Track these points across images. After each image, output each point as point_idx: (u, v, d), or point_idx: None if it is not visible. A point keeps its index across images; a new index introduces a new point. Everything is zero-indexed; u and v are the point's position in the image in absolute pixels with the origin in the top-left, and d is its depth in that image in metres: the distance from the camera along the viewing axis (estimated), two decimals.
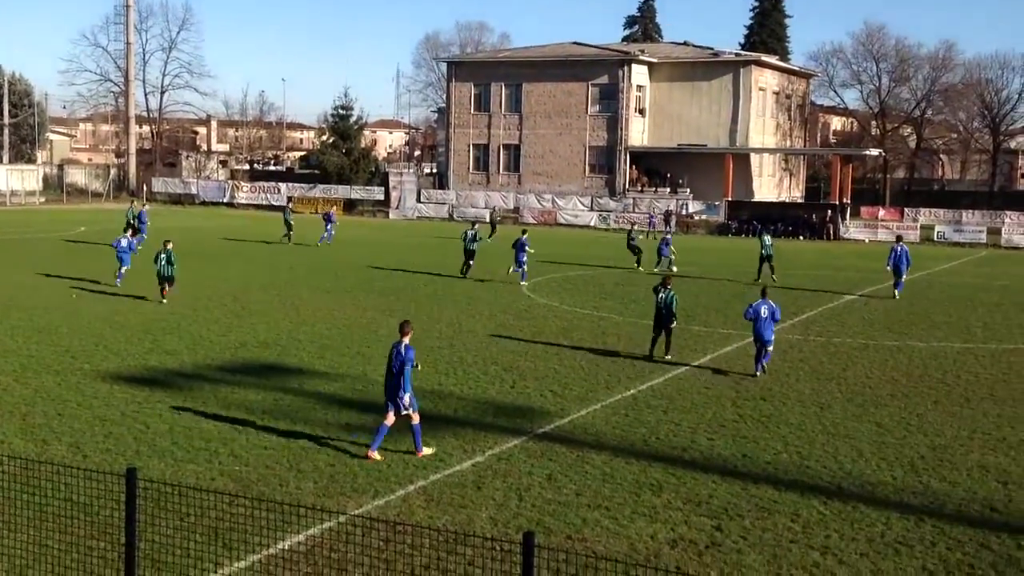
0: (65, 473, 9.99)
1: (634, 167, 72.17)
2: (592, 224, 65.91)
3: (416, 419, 13.91)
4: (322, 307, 27.46)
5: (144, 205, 49.93)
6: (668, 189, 70.06)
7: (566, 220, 67.22)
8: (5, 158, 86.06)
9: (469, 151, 76.44)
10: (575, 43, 76.73)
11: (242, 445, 14.29)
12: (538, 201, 69.33)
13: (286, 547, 10.33)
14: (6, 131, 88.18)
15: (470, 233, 35.50)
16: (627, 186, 71.11)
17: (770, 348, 20.08)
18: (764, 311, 19.85)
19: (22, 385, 17.52)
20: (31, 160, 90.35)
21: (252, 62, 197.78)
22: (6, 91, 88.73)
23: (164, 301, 27.09)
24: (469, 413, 16.52)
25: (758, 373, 19.91)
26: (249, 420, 15.54)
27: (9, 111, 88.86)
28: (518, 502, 12.31)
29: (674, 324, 21.44)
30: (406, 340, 13.85)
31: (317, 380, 18.51)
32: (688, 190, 69.14)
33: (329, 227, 46.31)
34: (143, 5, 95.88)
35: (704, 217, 66.16)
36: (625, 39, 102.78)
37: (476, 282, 33.64)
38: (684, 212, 66.12)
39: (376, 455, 13.71)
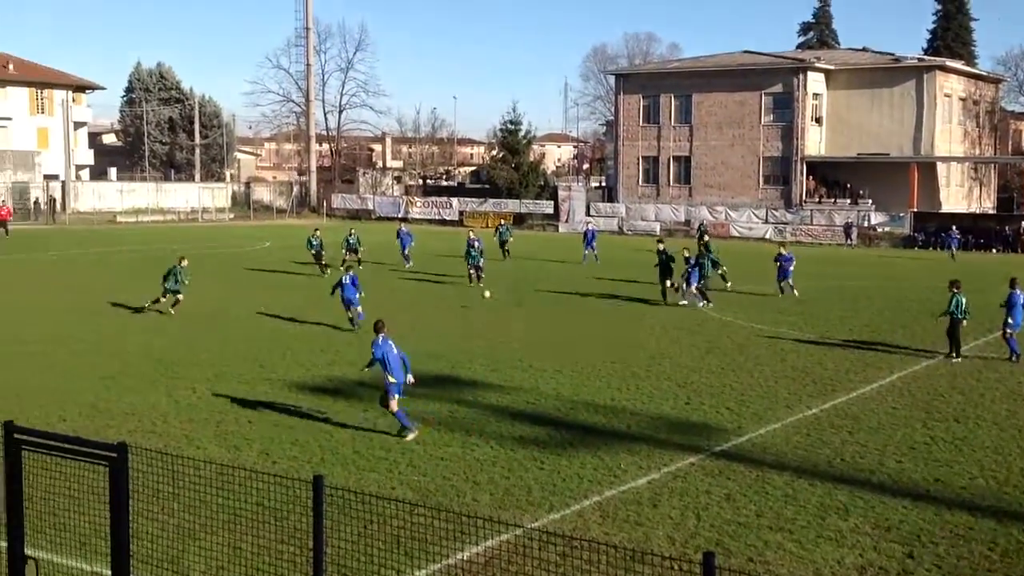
0: (256, 479, 10.36)
1: (811, 177, 70.08)
2: (767, 237, 64.24)
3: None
4: (491, 320, 27.75)
5: (402, 225, 49.98)
6: (848, 200, 67.69)
7: (739, 233, 65.84)
8: (197, 176, 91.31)
9: (638, 164, 75.97)
10: (746, 52, 75.30)
11: (420, 456, 14.55)
12: (710, 214, 68.16)
13: (465, 558, 10.42)
14: (198, 151, 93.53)
15: (711, 257, 33.80)
16: (804, 197, 69.10)
17: (1015, 332, 22.10)
18: (1022, 299, 22.02)
19: (216, 394, 18.42)
20: (220, 178, 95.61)
21: (424, 80, 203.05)
22: (197, 113, 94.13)
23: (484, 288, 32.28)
24: (643, 429, 16.31)
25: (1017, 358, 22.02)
26: (425, 431, 15.81)
27: (200, 132, 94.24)
28: (696, 521, 12.05)
29: (964, 323, 22.68)
30: (384, 334, 15.99)
31: (490, 392, 18.68)
32: (870, 201, 66.58)
33: (591, 244, 45.90)
34: (322, 28, 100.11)
35: (887, 229, 63.56)
36: (800, 46, 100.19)
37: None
38: (866, 224, 63.71)
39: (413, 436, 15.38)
